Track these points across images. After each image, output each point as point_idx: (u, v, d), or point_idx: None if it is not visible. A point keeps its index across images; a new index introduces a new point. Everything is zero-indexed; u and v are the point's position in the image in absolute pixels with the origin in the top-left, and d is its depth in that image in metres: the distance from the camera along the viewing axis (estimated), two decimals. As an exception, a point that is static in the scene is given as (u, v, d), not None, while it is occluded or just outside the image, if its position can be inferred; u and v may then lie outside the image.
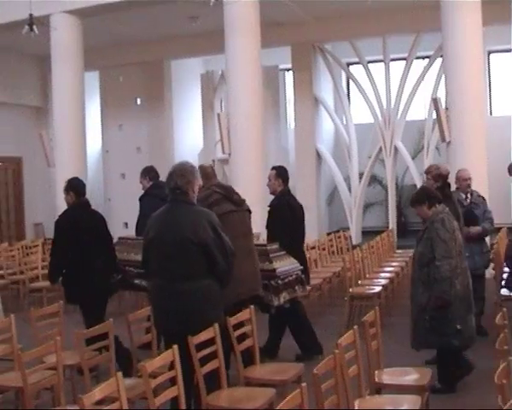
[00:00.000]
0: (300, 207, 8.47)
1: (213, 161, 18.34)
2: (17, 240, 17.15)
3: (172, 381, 4.89)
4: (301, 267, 7.82)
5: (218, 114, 15.04)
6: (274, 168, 8.46)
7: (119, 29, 16.49)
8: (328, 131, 19.24)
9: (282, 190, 8.29)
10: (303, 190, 16.89)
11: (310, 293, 9.52)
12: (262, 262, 7.23)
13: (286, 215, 8.11)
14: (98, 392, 4.18)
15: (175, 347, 4.89)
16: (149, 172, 9.34)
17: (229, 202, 6.78)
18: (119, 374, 4.26)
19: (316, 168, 18.32)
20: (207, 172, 6.93)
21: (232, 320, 5.80)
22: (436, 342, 6.54)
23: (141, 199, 9.32)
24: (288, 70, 19.79)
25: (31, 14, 13.01)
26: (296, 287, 7.59)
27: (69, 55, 14.86)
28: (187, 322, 5.47)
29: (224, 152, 14.34)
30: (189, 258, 5.48)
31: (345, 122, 18.70)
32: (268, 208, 8.42)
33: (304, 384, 3.92)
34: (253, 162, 12.68)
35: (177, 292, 5.47)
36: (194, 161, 16.78)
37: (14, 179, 19.74)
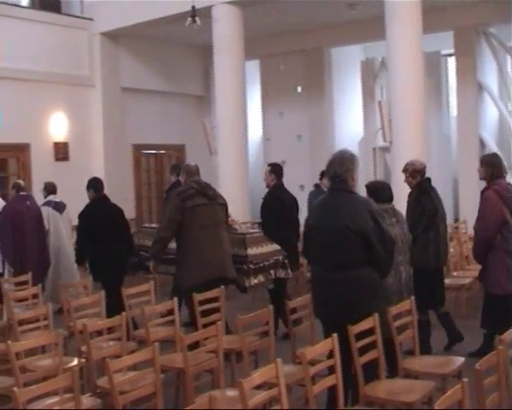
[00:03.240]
0: (292, 199, 9.60)
1: (374, 149, 18.17)
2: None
3: (331, 370, 4.89)
4: (284, 253, 8.94)
5: (379, 102, 14.87)
6: (269, 165, 9.84)
7: (279, 18, 16.59)
8: (491, 119, 18.59)
9: (275, 184, 9.49)
10: (465, 179, 16.44)
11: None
12: (237, 248, 8.53)
13: (274, 207, 9.26)
14: (257, 377, 4.24)
15: (334, 335, 4.88)
16: (175, 169, 10.54)
17: (203, 196, 7.74)
18: (279, 360, 4.30)
19: (479, 157, 17.74)
20: (190, 170, 8.18)
21: (393, 310, 5.74)
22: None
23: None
24: (451, 55, 19.26)
25: (193, 7, 13.36)
26: (272, 271, 8.78)
27: (230, 45, 15.09)
28: (346, 311, 5.46)
29: (384, 140, 14.17)
30: (347, 246, 5.47)
31: (510, 109, 18.02)
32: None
33: (465, 380, 3.81)
34: (414, 151, 12.38)
35: (336, 281, 5.47)
36: (355, 149, 16.68)
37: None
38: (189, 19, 13.64)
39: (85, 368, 6.30)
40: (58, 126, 16.57)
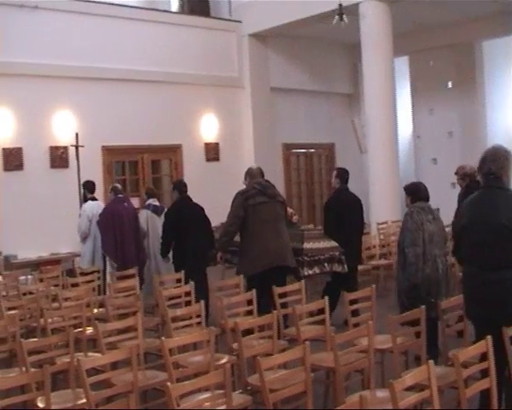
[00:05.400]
0: (356, 202, 10.45)
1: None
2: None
3: (483, 373, 4.74)
4: (341, 250, 9.75)
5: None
6: (335, 170, 10.84)
7: (427, 13, 16.25)
8: None
9: (339, 187, 10.32)
10: None
11: None
12: (296, 242, 9.36)
13: (335, 209, 10.09)
14: (409, 378, 4.16)
15: (488, 337, 4.72)
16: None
17: (263, 195, 8.63)
18: (431, 362, 4.21)
19: None
20: (253, 173, 8.97)
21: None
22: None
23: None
24: None
25: (340, 5, 13.34)
26: (327, 264, 9.66)
27: (378, 42, 14.95)
28: (501, 312, 5.27)
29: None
30: (503, 245, 5.27)
31: None
32: None
33: None
34: None
35: (491, 280, 5.29)
36: (510, 145, 16.11)
37: (327, 166, 20.31)
38: (337, 17, 13.62)
39: (236, 365, 6.39)
40: (209, 127, 16.95)
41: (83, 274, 10.42)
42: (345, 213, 10.02)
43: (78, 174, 12.88)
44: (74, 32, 14.46)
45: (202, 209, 10.67)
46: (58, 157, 14.15)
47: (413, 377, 4.19)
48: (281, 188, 18.24)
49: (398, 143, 15.73)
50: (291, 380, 5.06)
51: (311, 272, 9.53)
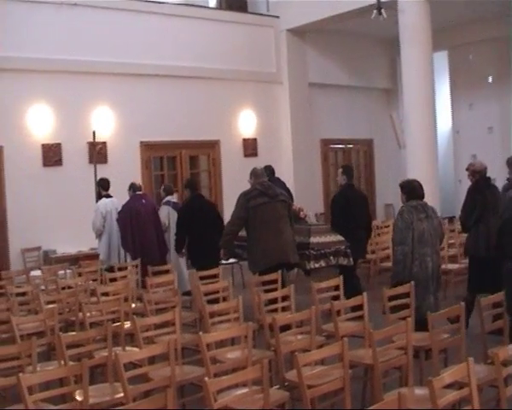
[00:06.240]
0: (362, 198, 11.02)
1: None
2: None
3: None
4: (346, 244, 10.03)
5: None
6: (342, 167, 11.25)
7: (466, 7, 16.09)
8: None
9: (345, 183, 10.74)
10: None
11: None
12: (303, 237, 9.79)
13: (341, 204, 10.45)
14: (448, 376, 4.11)
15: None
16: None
17: (265, 196, 9.02)
18: (471, 360, 4.15)
19: None
20: (257, 173, 9.35)
21: None
22: None
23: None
24: None
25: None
26: (333, 257, 9.90)
27: (417, 37, 14.81)
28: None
29: None
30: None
31: None
32: None
33: None
34: None
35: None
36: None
37: (366, 161, 20.24)
38: (375, 11, 13.57)
39: (274, 361, 6.38)
40: (247, 123, 16.96)
41: (121, 269, 10.49)
42: (351, 209, 10.39)
43: (95, 171, 12.92)
44: (113, 28, 14.57)
45: (214, 206, 11.52)
46: (96, 153, 14.26)
47: (452, 375, 4.15)
48: (318, 184, 18.26)
49: (436, 138, 15.60)
50: (329, 376, 5.03)
51: (317, 265, 9.86)
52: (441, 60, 19.07)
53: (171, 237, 11.77)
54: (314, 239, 9.94)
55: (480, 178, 9.20)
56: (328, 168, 19.05)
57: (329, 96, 18.76)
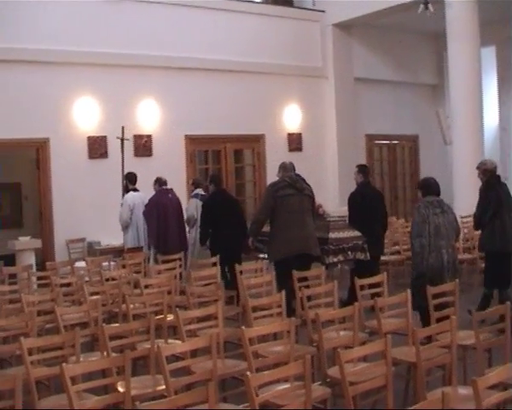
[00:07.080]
0: (378, 195, 11.29)
1: None
2: (411, 216, 17.38)
3: None
4: (364, 239, 10.36)
5: None
6: (357, 166, 11.40)
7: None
8: None
9: (362, 181, 11.00)
10: None
11: None
12: (322, 232, 10.03)
13: (357, 201, 10.77)
14: (494, 376, 4.05)
15: None
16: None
17: (292, 188, 9.42)
18: (516, 360, 4.09)
19: None
20: (286, 167, 9.73)
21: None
22: (417, 306, 7.31)
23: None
24: None
25: (425, -7, 13.12)
26: (350, 252, 10.28)
27: (465, 32, 14.63)
28: None
29: None
30: None
31: None
32: None
33: None
34: None
35: None
36: None
37: (411, 157, 20.08)
38: (422, 6, 13.43)
39: (316, 357, 6.35)
40: (292, 118, 16.92)
41: (164, 262, 10.55)
42: (367, 206, 10.69)
43: (123, 165, 12.93)
44: (159, 22, 14.63)
45: (237, 201, 12.03)
46: (141, 146, 14.35)
47: (497, 376, 4.09)
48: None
49: (483, 134, 15.39)
50: (371, 374, 5.00)
51: (335, 259, 10.26)
52: (489, 55, 18.81)
53: (198, 230, 11.89)
54: (333, 235, 10.29)
55: (490, 176, 9.54)
56: (373, 164, 18.90)
57: (375, 92, 18.63)
